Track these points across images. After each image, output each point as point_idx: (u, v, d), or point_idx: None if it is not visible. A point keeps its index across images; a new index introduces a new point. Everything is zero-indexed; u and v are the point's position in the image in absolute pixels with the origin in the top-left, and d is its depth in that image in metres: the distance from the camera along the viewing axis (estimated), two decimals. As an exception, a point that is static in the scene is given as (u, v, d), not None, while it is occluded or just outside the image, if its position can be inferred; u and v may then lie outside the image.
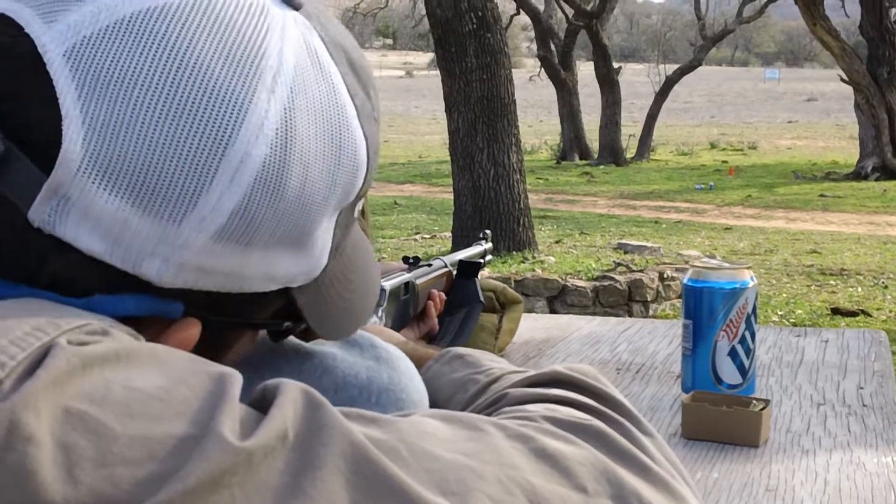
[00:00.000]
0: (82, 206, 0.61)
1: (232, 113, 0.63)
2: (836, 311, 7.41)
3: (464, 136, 8.88)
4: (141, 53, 0.61)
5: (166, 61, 0.62)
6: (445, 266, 1.62)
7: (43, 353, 0.53)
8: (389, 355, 0.91)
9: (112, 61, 0.61)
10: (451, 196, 9.48)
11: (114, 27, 0.62)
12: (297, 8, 0.69)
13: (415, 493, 0.54)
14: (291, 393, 0.57)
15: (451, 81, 8.92)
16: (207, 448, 0.50)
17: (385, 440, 0.57)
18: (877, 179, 17.21)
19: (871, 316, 7.30)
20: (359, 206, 0.77)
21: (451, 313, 1.61)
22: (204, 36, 0.63)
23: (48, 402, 0.50)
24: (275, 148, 0.64)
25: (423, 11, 9.90)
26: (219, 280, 0.67)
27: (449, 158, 9.54)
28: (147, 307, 0.64)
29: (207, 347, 0.68)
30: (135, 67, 0.61)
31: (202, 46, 0.63)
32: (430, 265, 1.59)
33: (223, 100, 0.62)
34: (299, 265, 0.71)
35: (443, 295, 1.58)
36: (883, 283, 8.54)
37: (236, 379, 0.57)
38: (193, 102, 0.62)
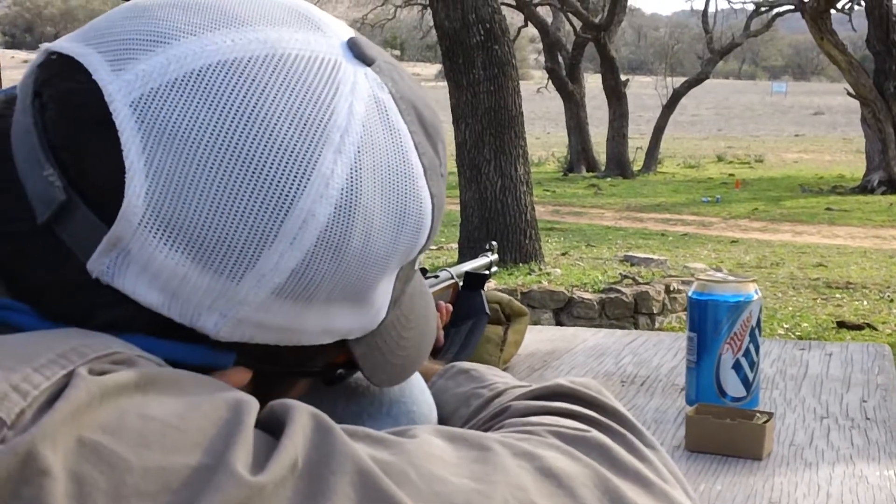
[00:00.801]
0: (142, 260, 0.60)
1: (297, 173, 0.61)
2: (841, 325, 7.40)
3: (471, 148, 8.90)
4: (208, 108, 0.60)
5: (233, 118, 0.60)
6: (452, 277, 1.63)
7: (66, 381, 0.53)
8: None
9: (179, 115, 0.60)
10: (458, 207, 9.49)
11: (183, 80, 0.60)
12: (369, 64, 0.67)
13: None
14: (301, 419, 0.57)
15: (459, 93, 8.94)
16: (221, 482, 0.51)
17: (393, 463, 0.57)
18: (883, 193, 17.20)
19: (876, 329, 7.29)
20: (420, 260, 0.76)
21: (457, 325, 1.61)
22: (273, 93, 0.61)
23: (65, 434, 0.50)
24: (339, 209, 0.63)
25: (431, 23, 9.91)
26: (275, 335, 0.66)
27: (456, 170, 9.55)
28: (199, 356, 0.64)
29: (258, 393, 0.66)
30: (202, 122, 0.60)
31: (271, 104, 0.61)
32: (437, 276, 1.59)
33: (289, 159, 0.61)
34: (358, 320, 0.71)
35: (449, 307, 1.59)
36: (889, 296, 8.53)
37: (252, 407, 0.57)
38: (258, 161, 0.60)
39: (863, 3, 18.23)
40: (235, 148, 0.60)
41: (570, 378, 0.80)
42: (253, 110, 0.60)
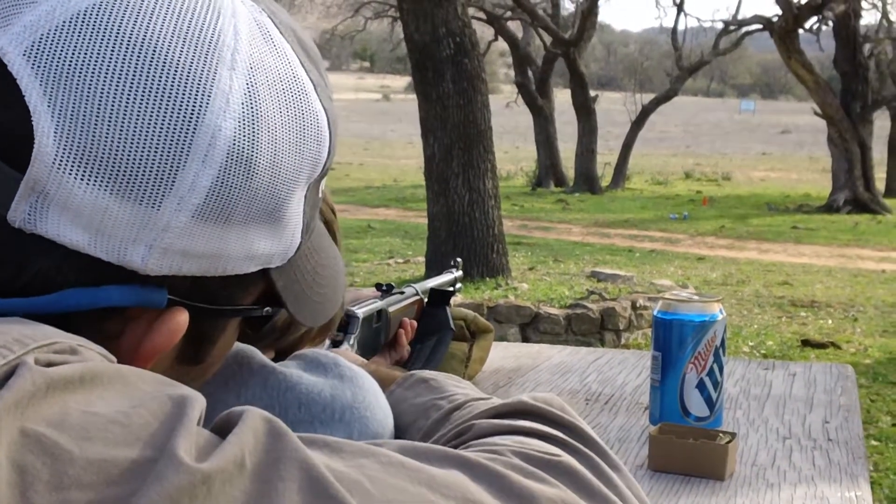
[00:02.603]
0: (61, 200, 0.61)
1: (197, 91, 0.64)
2: (806, 343, 7.45)
3: (440, 161, 8.90)
4: (101, 44, 0.62)
5: (127, 49, 0.62)
6: (417, 294, 1.63)
7: (9, 371, 0.53)
8: (353, 374, 0.92)
9: (73, 54, 0.62)
10: (426, 220, 9.49)
11: (70, 22, 0.63)
12: None
13: None
14: (253, 421, 0.56)
15: (428, 106, 8.94)
16: (162, 469, 0.50)
17: (347, 473, 0.57)
18: (848, 212, 17.36)
19: (840, 348, 7.34)
20: (322, 185, 0.78)
21: (422, 341, 1.61)
22: (161, 20, 0.64)
23: (8, 423, 0.50)
24: (242, 122, 0.65)
25: (402, 35, 9.91)
26: (201, 263, 0.67)
27: (424, 183, 9.54)
28: (132, 296, 0.65)
29: (192, 341, 0.70)
30: (96, 58, 0.62)
31: (160, 32, 0.64)
32: (402, 293, 1.59)
33: (187, 80, 0.64)
34: (276, 243, 0.72)
35: (414, 323, 1.59)
36: (853, 315, 8.60)
37: (197, 402, 0.56)
38: (158, 85, 0.63)
39: (830, 24, 18.41)
40: (134, 75, 0.62)
41: (532, 394, 0.79)
42: (145, 38, 0.63)
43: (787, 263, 11.80)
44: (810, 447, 1.51)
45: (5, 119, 0.61)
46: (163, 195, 0.63)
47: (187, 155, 0.63)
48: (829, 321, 8.36)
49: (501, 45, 25.12)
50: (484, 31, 21.12)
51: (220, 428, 0.56)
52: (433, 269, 8.70)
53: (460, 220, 8.84)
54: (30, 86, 0.61)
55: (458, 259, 1.83)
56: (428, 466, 0.62)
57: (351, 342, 1.40)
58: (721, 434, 1.43)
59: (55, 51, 0.62)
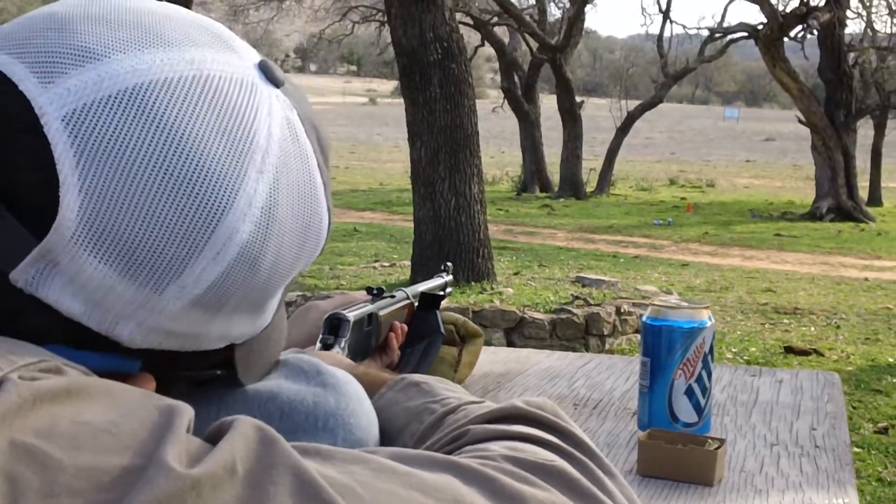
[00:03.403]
0: (70, 272, 0.62)
1: (224, 192, 0.64)
2: (789, 350, 7.48)
3: (426, 166, 8.89)
4: (141, 127, 0.61)
5: (166, 138, 0.62)
6: (408, 298, 1.63)
7: None
8: (336, 381, 0.91)
9: (113, 132, 0.61)
10: (412, 224, 9.48)
11: (116, 97, 0.62)
12: (279, 86, 0.71)
13: None
14: (243, 428, 0.57)
15: (415, 110, 8.94)
16: (152, 476, 0.51)
17: (338, 479, 0.57)
18: (831, 220, 17.44)
19: (822, 355, 7.37)
20: None
21: (412, 345, 1.62)
22: (203, 113, 0.64)
23: None
24: (259, 226, 0.66)
25: (389, 39, 9.92)
26: (181, 341, 0.69)
27: (410, 187, 9.54)
28: (108, 363, 0.66)
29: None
30: (135, 140, 0.61)
31: (201, 125, 0.64)
32: (393, 297, 1.59)
33: (218, 178, 0.64)
34: (251, 327, 0.75)
35: (404, 326, 1.59)
36: (835, 323, 8.63)
37: (185, 411, 0.57)
38: (189, 180, 0.63)
39: (815, 33, 18.49)
40: (168, 165, 0.62)
41: (525, 399, 0.80)
42: (185, 129, 0.63)
43: (770, 270, 11.84)
44: (798, 454, 1.52)
45: (33, 181, 0.61)
46: (168, 283, 0.64)
47: (201, 251, 0.64)
48: (812, 328, 8.39)
49: (488, 50, 25.17)
50: (471, 37, 21.15)
51: (212, 436, 0.57)
52: (419, 272, 8.69)
53: (446, 224, 8.84)
54: (63, 155, 0.60)
55: (449, 263, 1.83)
56: (419, 471, 0.62)
57: (342, 345, 1.40)
58: (710, 440, 1.44)
59: (95, 124, 0.61)
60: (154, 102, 0.62)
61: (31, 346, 0.60)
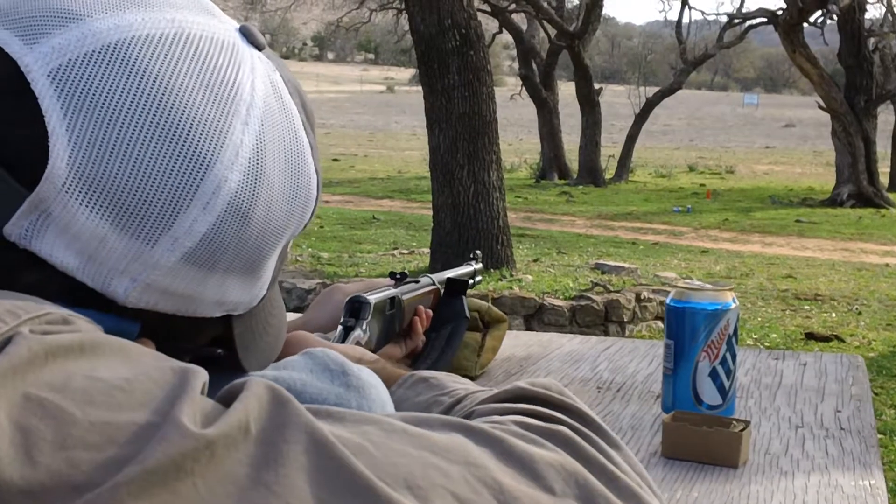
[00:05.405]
0: (62, 223, 0.63)
1: (211, 140, 0.66)
2: (810, 336, 7.46)
3: (444, 153, 8.89)
4: (127, 79, 0.64)
5: (151, 87, 0.64)
6: (433, 283, 1.63)
7: (4, 341, 0.54)
8: (361, 383, 0.90)
9: (98, 84, 0.63)
10: (430, 212, 9.48)
11: (99, 52, 0.64)
12: (260, 48, 0.74)
13: (380, 488, 0.55)
14: (256, 388, 0.57)
15: (433, 98, 8.93)
16: (167, 433, 0.51)
17: (351, 438, 0.58)
18: (852, 206, 17.35)
19: (844, 342, 7.35)
20: (291, 242, 0.81)
21: (437, 330, 1.62)
22: (186, 66, 0.66)
23: (7, 388, 0.51)
24: (247, 176, 0.68)
25: (406, 27, 9.91)
26: (177, 302, 0.70)
27: (428, 174, 9.54)
28: (107, 324, 0.66)
29: None
30: (121, 92, 0.63)
31: (184, 76, 0.66)
32: (417, 282, 1.59)
33: (203, 128, 0.66)
34: (246, 293, 0.76)
35: (429, 311, 1.59)
36: (857, 309, 8.60)
37: (199, 374, 0.58)
38: (175, 128, 0.65)
39: (835, 18, 18.39)
40: (154, 115, 0.64)
41: (529, 380, 0.80)
42: (170, 81, 0.65)
43: (790, 257, 11.80)
44: (823, 436, 1.52)
45: (21, 136, 0.63)
46: (160, 234, 0.65)
47: (191, 200, 0.65)
48: (833, 314, 8.36)
49: (506, 37, 25.10)
50: (488, 24, 21.08)
51: (225, 398, 0.58)
52: (438, 260, 8.71)
53: (465, 211, 8.84)
54: (51, 107, 0.62)
55: (478, 251, 1.83)
56: (430, 432, 0.63)
57: (363, 328, 1.40)
58: (734, 422, 1.44)
59: (80, 78, 0.63)
60: (137, 56, 0.65)
61: (33, 299, 0.61)
